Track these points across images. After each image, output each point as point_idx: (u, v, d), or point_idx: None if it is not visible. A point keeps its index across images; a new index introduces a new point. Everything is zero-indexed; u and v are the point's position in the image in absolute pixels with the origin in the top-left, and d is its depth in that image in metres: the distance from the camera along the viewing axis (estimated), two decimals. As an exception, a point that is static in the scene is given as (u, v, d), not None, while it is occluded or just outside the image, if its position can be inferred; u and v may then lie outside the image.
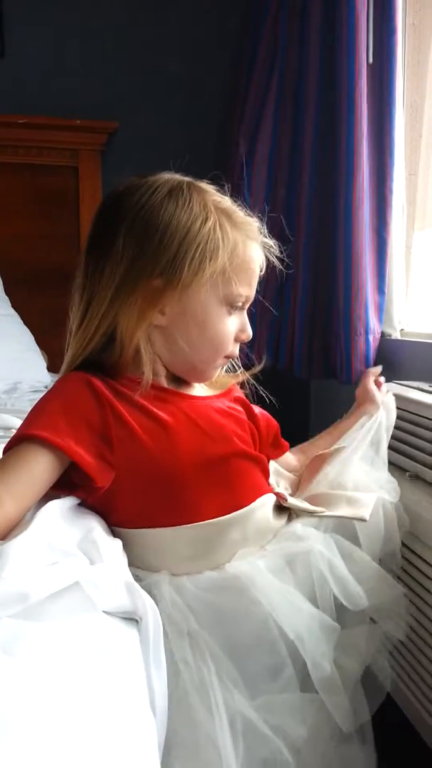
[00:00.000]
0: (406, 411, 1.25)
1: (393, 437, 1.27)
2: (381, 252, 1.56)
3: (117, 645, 0.58)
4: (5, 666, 0.47)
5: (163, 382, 0.87)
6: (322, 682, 0.80)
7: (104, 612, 0.61)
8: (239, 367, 0.96)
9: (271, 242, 0.90)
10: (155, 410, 0.82)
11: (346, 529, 0.91)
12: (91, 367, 0.84)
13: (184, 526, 0.81)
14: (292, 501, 0.91)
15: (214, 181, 0.90)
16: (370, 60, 1.51)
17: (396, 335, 1.65)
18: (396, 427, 1.27)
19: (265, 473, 0.93)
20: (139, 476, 0.80)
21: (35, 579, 0.58)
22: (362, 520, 0.89)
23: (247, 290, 0.86)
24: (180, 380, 0.90)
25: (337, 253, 1.58)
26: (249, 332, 0.88)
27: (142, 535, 0.81)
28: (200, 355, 0.86)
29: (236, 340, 0.88)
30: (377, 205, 1.55)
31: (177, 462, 0.81)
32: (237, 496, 0.85)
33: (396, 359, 1.59)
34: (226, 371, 0.95)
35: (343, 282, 1.57)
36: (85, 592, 0.60)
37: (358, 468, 0.98)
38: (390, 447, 1.26)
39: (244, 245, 0.85)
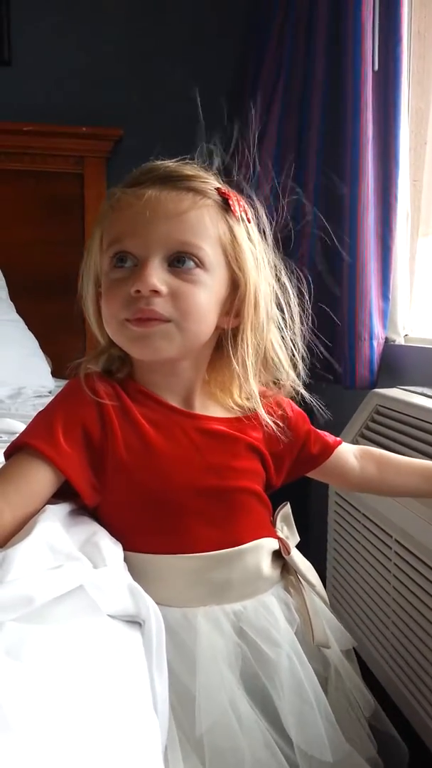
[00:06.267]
0: (410, 416, 1.26)
1: (397, 441, 1.27)
2: (385, 259, 1.56)
3: (121, 648, 0.58)
4: (10, 669, 0.47)
5: (173, 400, 0.81)
6: None
7: (108, 615, 0.60)
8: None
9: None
10: (151, 432, 0.78)
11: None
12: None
13: (164, 555, 0.77)
14: (296, 558, 0.84)
15: (218, 189, 0.90)
16: (376, 67, 1.51)
17: (400, 341, 1.66)
18: (400, 432, 1.28)
19: (268, 510, 0.86)
20: (125, 500, 0.78)
21: (39, 582, 0.58)
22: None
23: (123, 240, 0.77)
24: (189, 401, 0.82)
25: (341, 259, 1.59)
26: (141, 284, 0.73)
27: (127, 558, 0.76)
28: (107, 325, 0.80)
29: (132, 295, 0.75)
30: (382, 212, 1.56)
31: (165, 488, 0.77)
32: (229, 533, 0.79)
33: (400, 365, 1.59)
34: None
35: (348, 288, 1.57)
36: (89, 595, 0.60)
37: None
38: (394, 452, 1.27)
39: (111, 198, 0.80)
